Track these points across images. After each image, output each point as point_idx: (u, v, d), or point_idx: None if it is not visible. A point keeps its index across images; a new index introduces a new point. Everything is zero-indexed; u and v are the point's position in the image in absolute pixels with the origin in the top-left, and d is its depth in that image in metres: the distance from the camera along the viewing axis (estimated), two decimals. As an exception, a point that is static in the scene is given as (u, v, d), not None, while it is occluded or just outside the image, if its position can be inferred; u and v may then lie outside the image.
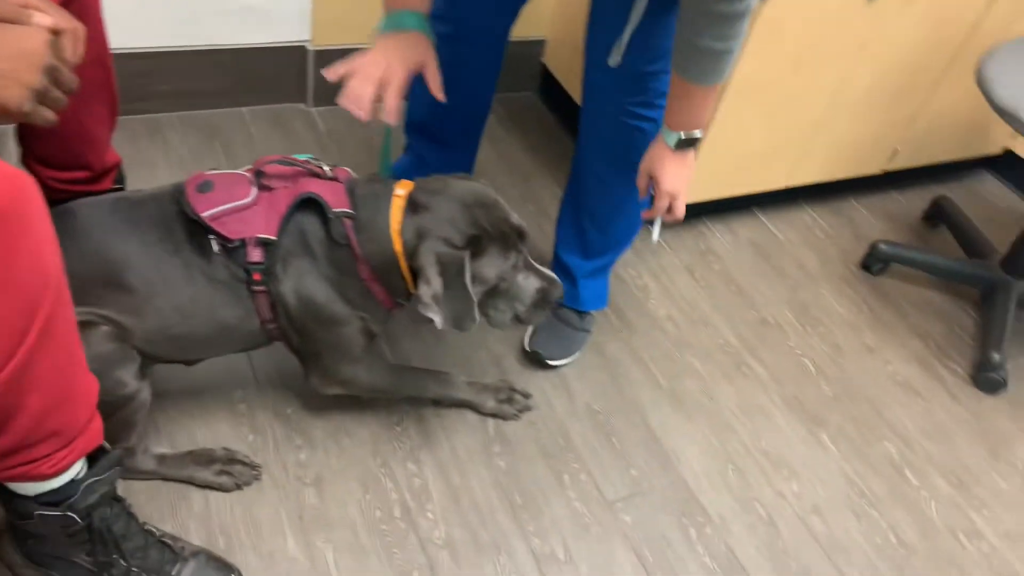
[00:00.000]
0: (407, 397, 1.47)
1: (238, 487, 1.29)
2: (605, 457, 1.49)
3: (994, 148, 2.42)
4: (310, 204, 1.16)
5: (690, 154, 1.27)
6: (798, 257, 2.05)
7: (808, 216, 2.19)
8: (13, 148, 1.27)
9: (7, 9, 0.81)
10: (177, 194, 1.15)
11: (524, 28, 2.19)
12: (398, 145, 1.67)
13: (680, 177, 1.28)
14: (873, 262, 2.04)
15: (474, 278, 1.18)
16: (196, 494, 1.28)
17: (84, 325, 1.08)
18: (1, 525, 1.09)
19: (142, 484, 1.27)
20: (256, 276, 1.15)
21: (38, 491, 0.97)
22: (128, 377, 1.12)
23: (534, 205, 1.99)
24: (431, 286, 1.13)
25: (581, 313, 1.62)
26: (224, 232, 1.12)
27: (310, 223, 1.16)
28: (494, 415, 1.50)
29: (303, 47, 1.99)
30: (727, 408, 1.64)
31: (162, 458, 1.27)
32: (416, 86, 1.61)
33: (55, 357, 0.86)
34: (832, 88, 1.88)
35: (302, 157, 1.21)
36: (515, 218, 1.23)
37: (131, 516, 1.09)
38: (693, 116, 1.22)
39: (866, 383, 1.77)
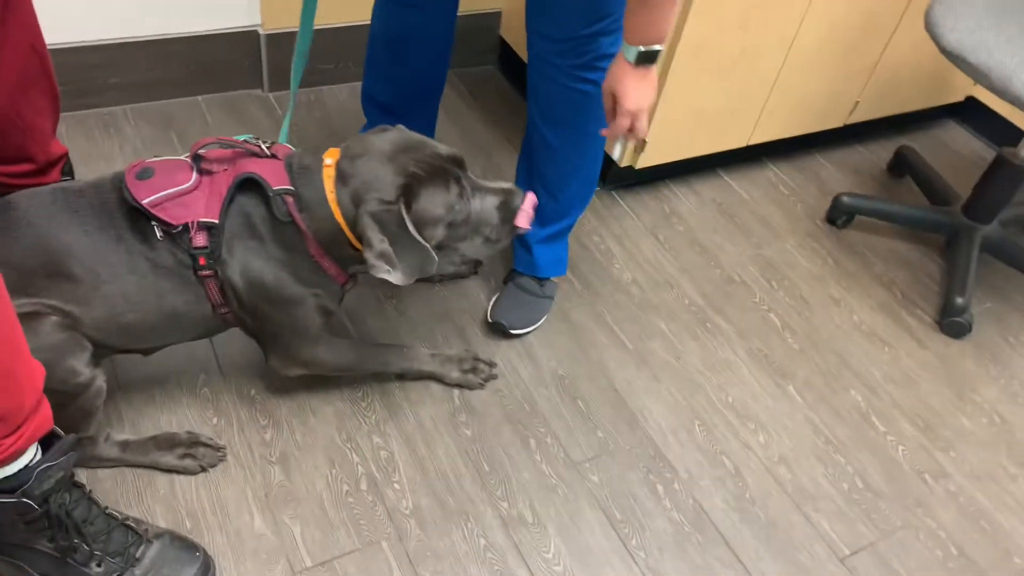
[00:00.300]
0: (371, 373, 1.48)
1: (203, 469, 1.30)
2: (571, 420, 1.50)
3: (957, 96, 2.42)
4: (251, 184, 1.16)
5: (652, 70, 1.22)
6: (763, 215, 2.06)
7: (772, 173, 2.20)
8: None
9: None
10: (117, 182, 1.15)
11: (480, 0, 2.20)
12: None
13: (642, 94, 1.22)
14: (837, 215, 2.05)
15: (421, 222, 1.17)
16: (161, 479, 1.29)
17: (32, 316, 1.09)
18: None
19: (107, 472, 1.28)
20: (202, 261, 1.15)
21: (-9, 479, 0.97)
22: (80, 366, 1.13)
23: (498, 178, 1.98)
24: (374, 247, 1.13)
25: (541, 280, 1.63)
26: (165, 218, 1.12)
27: (252, 204, 1.16)
28: (459, 385, 1.51)
29: (255, 31, 1.98)
30: (693, 366, 1.65)
31: (125, 444, 1.28)
32: (371, 60, 1.62)
33: (-8, 345, 0.86)
34: (783, 43, 1.88)
35: (241, 138, 1.21)
36: (445, 148, 1.21)
37: (92, 501, 1.10)
38: (652, 28, 1.17)
39: (832, 334, 1.78)
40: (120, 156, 1.83)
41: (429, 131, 1.71)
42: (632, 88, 1.21)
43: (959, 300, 1.81)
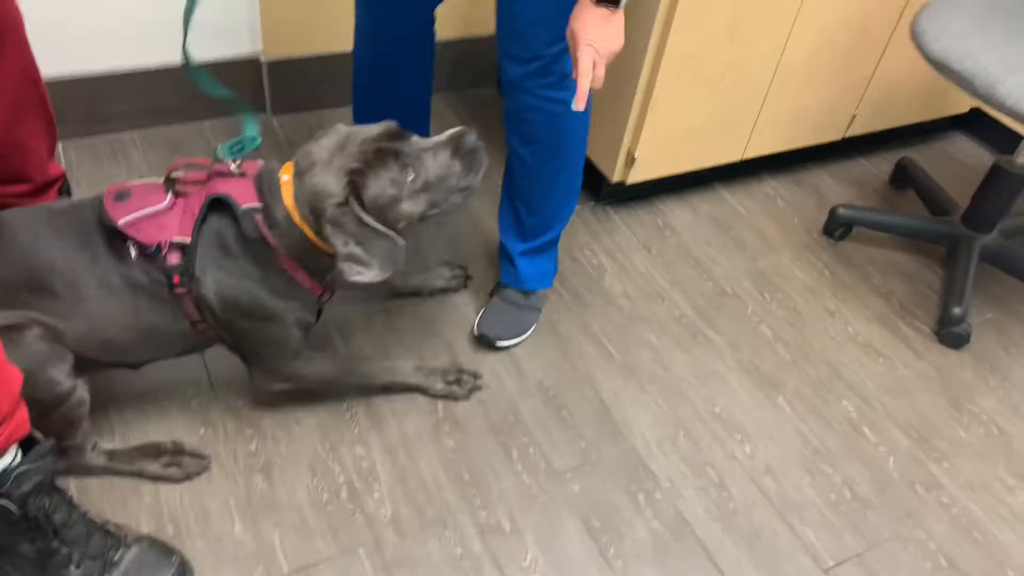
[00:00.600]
0: (356, 386, 1.51)
1: (187, 478, 1.34)
2: (555, 430, 1.51)
3: (962, 107, 2.40)
4: (222, 204, 1.19)
5: (617, 14, 1.16)
6: (759, 228, 2.06)
7: (770, 187, 2.20)
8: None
9: None
10: (96, 203, 1.20)
11: (481, 24, 2.25)
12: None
13: (601, 33, 1.16)
14: (834, 227, 2.04)
15: (380, 208, 1.19)
16: (147, 487, 1.33)
17: (15, 328, 1.14)
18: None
19: (94, 480, 1.32)
20: (175, 279, 1.19)
21: (-31, 482, 1.02)
22: (61, 376, 1.17)
23: (494, 199, 2.01)
24: (340, 252, 1.17)
25: (526, 292, 1.64)
26: (139, 238, 1.17)
27: (223, 223, 1.20)
28: (444, 397, 1.53)
29: (256, 59, 2.05)
30: (681, 377, 1.65)
31: (112, 453, 1.32)
32: (356, 89, 1.67)
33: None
34: (773, 55, 1.89)
35: (225, 146, 1.26)
36: (375, 129, 1.21)
37: (72, 505, 1.13)
38: None
39: (826, 345, 1.76)
40: (127, 180, 1.90)
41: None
42: (590, 23, 1.16)
43: (956, 310, 1.78)
